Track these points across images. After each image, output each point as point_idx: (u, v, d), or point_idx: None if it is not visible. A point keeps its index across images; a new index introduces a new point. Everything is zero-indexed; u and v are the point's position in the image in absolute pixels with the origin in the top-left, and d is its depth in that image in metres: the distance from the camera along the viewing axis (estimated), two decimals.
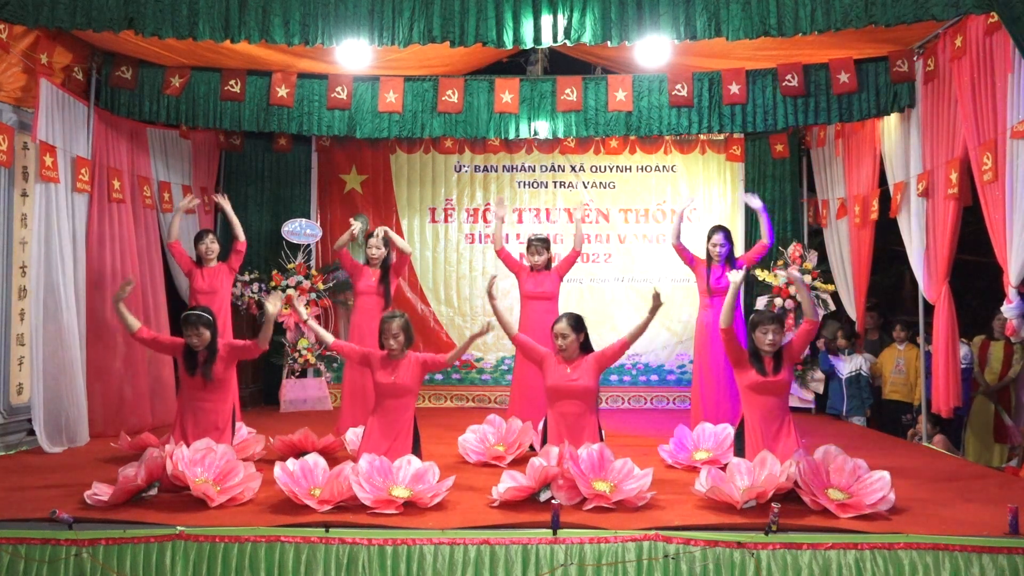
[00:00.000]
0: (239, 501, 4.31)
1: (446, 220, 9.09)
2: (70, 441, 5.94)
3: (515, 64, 8.59)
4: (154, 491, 4.37)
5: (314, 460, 4.42)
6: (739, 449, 4.80)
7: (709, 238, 6.23)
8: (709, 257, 6.24)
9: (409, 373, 4.89)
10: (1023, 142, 5.02)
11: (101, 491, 4.20)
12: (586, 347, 4.99)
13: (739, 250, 8.85)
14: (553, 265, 6.53)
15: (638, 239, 9.00)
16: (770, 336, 4.64)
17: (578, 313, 5.04)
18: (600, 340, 8.62)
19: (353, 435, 5.46)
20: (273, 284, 8.36)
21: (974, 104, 5.55)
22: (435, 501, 4.19)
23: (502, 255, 6.55)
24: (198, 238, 6.69)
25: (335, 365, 8.69)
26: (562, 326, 4.91)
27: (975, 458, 6.71)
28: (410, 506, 4.15)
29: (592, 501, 4.15)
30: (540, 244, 6.39)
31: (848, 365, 7.68)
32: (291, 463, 4.34)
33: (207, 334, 4.84)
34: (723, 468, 4.63)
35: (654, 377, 8.87)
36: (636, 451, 5.97)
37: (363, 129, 7.04)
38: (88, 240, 6.39)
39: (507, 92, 6.95)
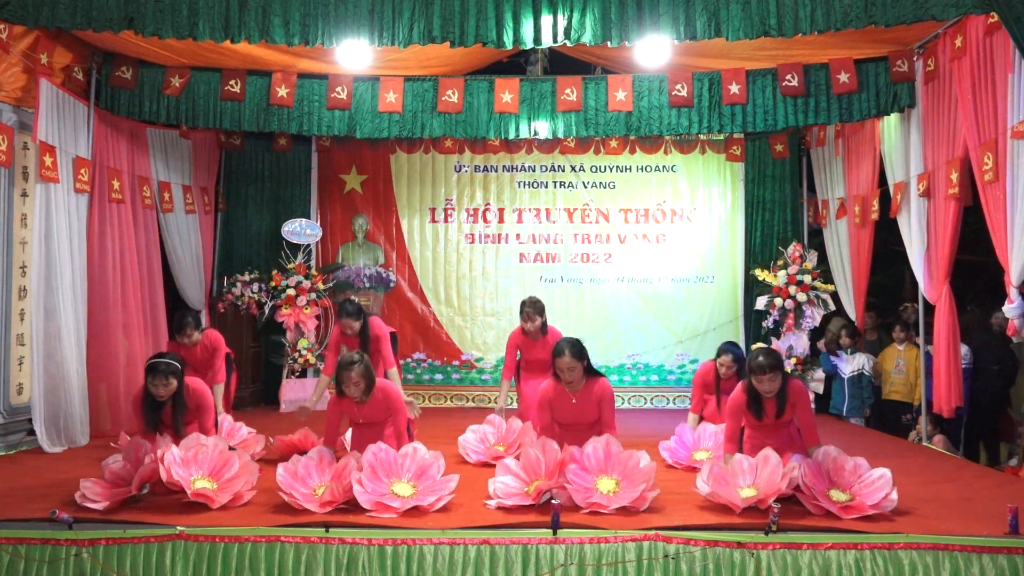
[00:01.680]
0: (241, 500, 4.30)
1: (446, 220, 9.09)
2: (70, 441, 5.94)
3: (515, 64, 8.59)
4: (146, 490, 4.36)
5: (319, 453, 4.39)
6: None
7: (718, 356, 5.78)
8: (717, 375, 5.77)
9: (377, 410, 4.75)
10: (1023, 142, 5.03)
11: (92, 495, 4.15)
12: (590, 371, 4.70)
13: (737, 250, 8.89)
14: (548, 330, 5.97)
15: (638, 239, 9.00)
16: (765, 385, 4.45)
17: (575, 339, 4.70)
18: (600, 340, 8.68)
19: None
20: (273, 284, 8.35)
21: (974, 104, 5.55)
22: (438, 506, 4.17)
23: (509, 375, 6.11)
24: (178, 329, 5.97)
25: None
26: (567, 361, 4.56)
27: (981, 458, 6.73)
28: (411, 510, 4.13)
29: (591, 508, 4.09)
30: (532, 309, 5.90)
31: (851, 364, 7.67)
32: (294, 461, 4.32)
33: (175, 384, 4.61)
34: None
35: (654, 377, 8.87)
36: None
37: (363, 129, 7.04)
38: (88, 240, 6.38)
39: (507, 92, 6.95)
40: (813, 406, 8.09)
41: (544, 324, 5.99)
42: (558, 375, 4.66)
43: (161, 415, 4.70)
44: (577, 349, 4.60)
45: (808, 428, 4.54)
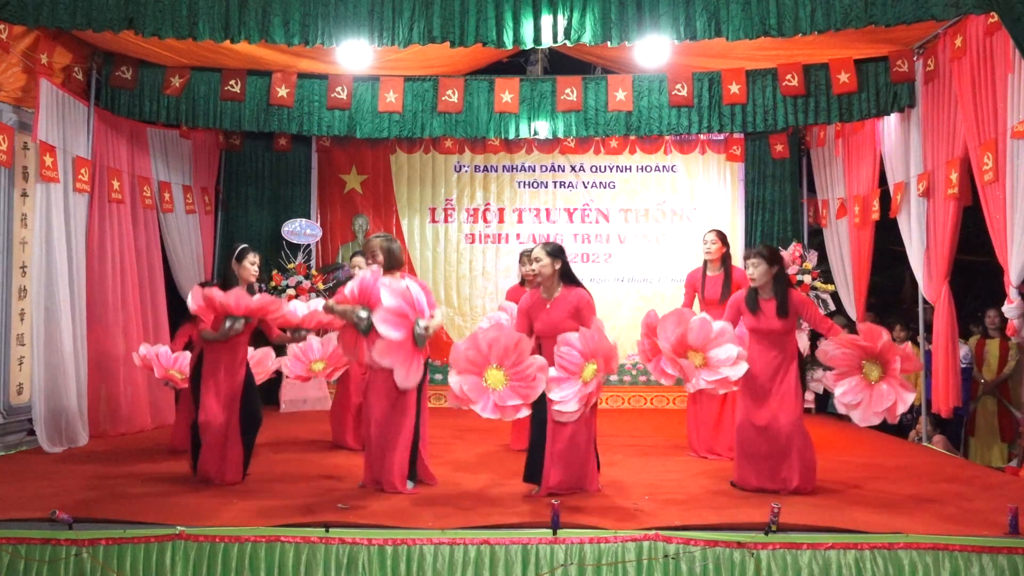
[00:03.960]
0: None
1: (446, 220, 9.10)
2: (70, 441, 5.94)
3: (515, 64, 8.60)
4: (240, 324, 4.78)
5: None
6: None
7: (704, 240, 6.01)
8: (705, 264, 6.02)
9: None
10: (1023, 142, 5.03)
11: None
12: (567, 277, 4.66)
13: (737, 249, 8.88)
14: None
15: (638, 239, 9.00)
16: (750, 269, 4.72)
17: (558, 243, 4.77)
18: None
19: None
20: (273, 284, 8.35)
21: (974, 104, 5.55)
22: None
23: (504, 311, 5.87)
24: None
25: None
26: (537, 251, 4.66)
27: (978, 459, 6.72)
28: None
29: (585, 399, 4.32)
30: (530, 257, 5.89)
31: None
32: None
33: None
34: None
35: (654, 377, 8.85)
36: (636, 451, 5.98)
37: (363, 129, 7.04)
38: (88, 240, 6.38)
39: (507, 92, 6.95)
40: (813, 406, 8.13)
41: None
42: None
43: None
44: (551, 247, 4.66)
45: (821, 324, 4.70)
